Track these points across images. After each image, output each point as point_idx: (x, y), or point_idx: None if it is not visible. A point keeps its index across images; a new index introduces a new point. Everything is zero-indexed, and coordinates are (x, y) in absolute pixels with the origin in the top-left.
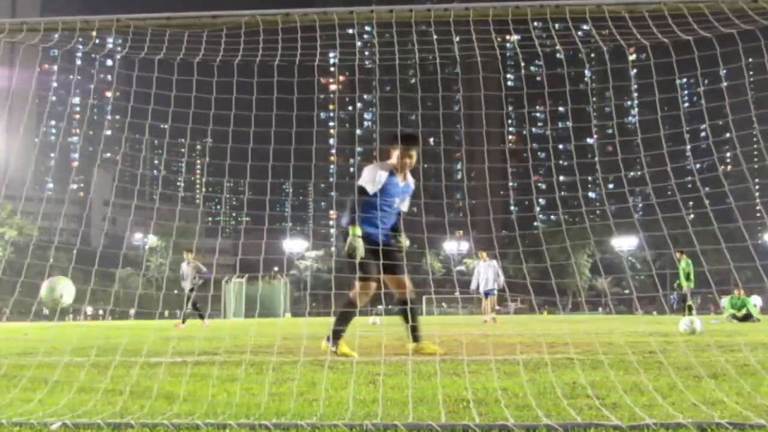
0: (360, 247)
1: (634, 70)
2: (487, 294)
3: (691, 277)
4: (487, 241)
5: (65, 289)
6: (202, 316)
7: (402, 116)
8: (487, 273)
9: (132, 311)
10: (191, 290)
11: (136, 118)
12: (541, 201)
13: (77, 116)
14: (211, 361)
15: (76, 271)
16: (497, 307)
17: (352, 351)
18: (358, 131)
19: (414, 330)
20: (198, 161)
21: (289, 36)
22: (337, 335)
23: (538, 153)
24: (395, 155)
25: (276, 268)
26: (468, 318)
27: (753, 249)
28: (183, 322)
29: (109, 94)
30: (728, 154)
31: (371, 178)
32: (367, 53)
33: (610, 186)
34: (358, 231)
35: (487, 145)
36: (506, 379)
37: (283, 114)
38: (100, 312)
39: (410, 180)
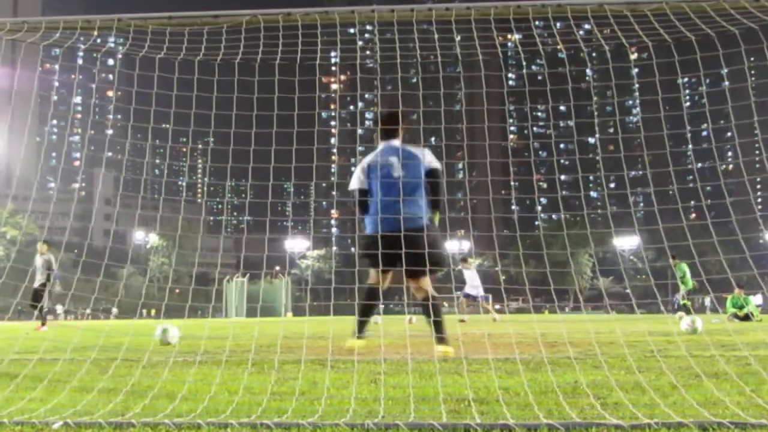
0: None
1: (636, 70)
2: (483, 297)
3: (687, 279)
4: (488, 241)
5: (174, 332)
6: (42, 319)
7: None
8: (475, 278)
9: (114, 310)
10: (42, 285)
11: (137, 117)
12: (543, 200)
13: (79, 116)
14: (212, 360)
15: (76, 268)
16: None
17: (355, 345)
18: (359, 130)
19: (437, 330)
20: (199, 160)
21: (291, 35)
22: (358, 328)
23: (540, 152)
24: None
25: (278, 268)
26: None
27: (752, 245)
28: (43, 324)
29: (111, 93)
30: (729, 154)
31: (354, 179)
32: (368, 52)
33: (612, 185)
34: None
35: (489, 145)
36: (507, 379)
37: (284, 113)
38: (88, 311)
39: (402, 145)
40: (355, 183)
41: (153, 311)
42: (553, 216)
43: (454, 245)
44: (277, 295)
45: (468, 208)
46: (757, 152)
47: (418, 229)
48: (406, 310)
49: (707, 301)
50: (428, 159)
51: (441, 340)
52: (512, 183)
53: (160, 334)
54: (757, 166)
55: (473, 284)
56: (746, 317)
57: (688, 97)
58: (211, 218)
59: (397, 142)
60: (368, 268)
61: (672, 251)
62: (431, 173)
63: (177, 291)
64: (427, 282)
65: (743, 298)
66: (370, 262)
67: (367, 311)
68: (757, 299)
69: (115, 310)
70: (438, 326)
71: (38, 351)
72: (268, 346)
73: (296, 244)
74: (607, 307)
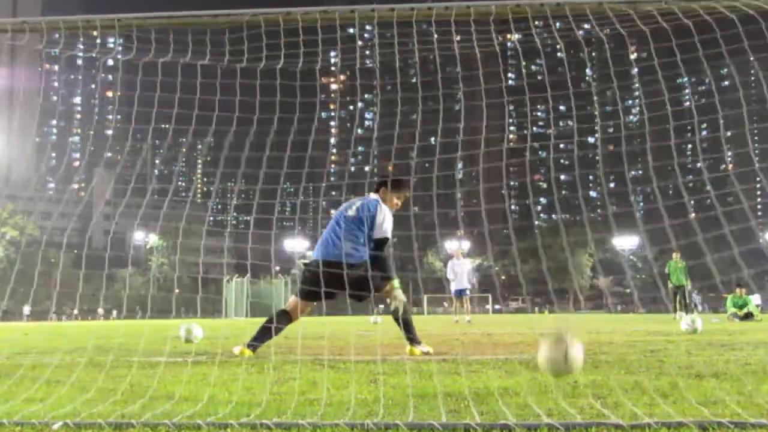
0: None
1: (636, 69)
2: (459, 293)
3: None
4: (488, 241)
5: (197, 331)
6: None
7: (403, 115)
8: (461, 270)
9: (100, 310)
10: None
11: (137, 118)
12: (542, 200)
13: (78, 116)
14: (212, 361)
15: (75, 268)
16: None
17: (244, 353)
18: (359, 131)
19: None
20: (199, 161)
21: (290, 35)
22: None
23: (539, 152)
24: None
25: (277, 268)
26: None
27: (751, 245)
28: None
29: (110, 93)
30: (729, 153)
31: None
32: (368, 52)
33: (611, 185)
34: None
35: (488, 145)
36: (507, 378)
37: (284, 113)
38: (76, 312)
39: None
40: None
41: (139, 311)
42: (553, 216)
43: (454, 245)
44: (276, 295)
45: (462, 206)
46: (757, 152)
47: (353, 265)
48: (373, 311)
49: (696, 298)
50: (383, 226)
51: (411, 340)
52: (511, 183)
53: (184, 333)
54: (758, 165)
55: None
56: (746, 317)
57: (688, 97)
58: (211, 218)
59: (374, 196)
60: (300, 292)
61: (672, 248)
62: (376, 243)
63: (177, 291)
64: (386, 293)
65: (743, 298)
66: (302, 291)
67: (269, 330)
68: (756, 299)
69: (100, 311)
70: (405, 330)
71: (38, 352)
72: (267, 346)
73: (296, 244)
74: (608, 306)
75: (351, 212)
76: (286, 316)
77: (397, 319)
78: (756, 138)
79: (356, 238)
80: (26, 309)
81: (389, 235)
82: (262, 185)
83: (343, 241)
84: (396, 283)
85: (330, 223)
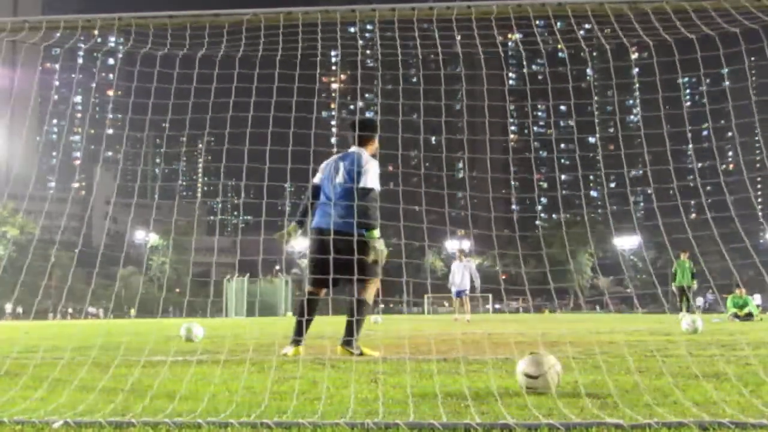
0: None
1: (636, 69)
2: (459, 293)
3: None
4: (488, 240)
5: (198, 330)
6: None
7: (404, 115)
8: (462, 273)
9: (92, 309)
10: None
11: (137, 117)
12: (543, 200)
13: (79, 115)
14: (212, 360)
15: (77, 269)
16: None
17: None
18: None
19: (347, 332)
20: (199, 160)
21: (291, 34)
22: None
23: (540, 152)
24: (376, 145)
25: (277, 267)
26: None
27: (753, 248)
28: None
29: (111, 92)
30: (730, 153)
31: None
32: (368, 52)
33: (612, 185)
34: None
35: (490, 144)
36: (507, 378)
37: (284, 112)
38: (71, 311)
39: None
40: (314, 179)
41: (132, 310)
42: (554, 215)
43: (454, 244)
44: (276, 294)
45: (468, 207)
46: (758, 151)
47: (346, 233)
48: (373, 310)
49: (699, 301)
50: (367, 177)
51: (347, 342)
52: (512, 183)
53: (184, 332)
54: (758, 165)
55: (457, 280)
56: (747, 317)
57: (688, 97)
58: (211, 217)
59: (355, 148)
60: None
61: (678, 248)
62: (360, 193)
63: (177, 290)
64: (364, 286)
65: (744, 298)
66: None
67: (301, 317)
68: (756, 299)
69: (92, 309)
70: (349, 327)
71: (39, 350)
72: (267, 345)
73: (296, 244)
74: (608, 306)
75: (339, 178)
76: (313, 302)
77: (351, 317)
78: (757, 137)
79: (351, 207)
80: (8, 307)
81: (376, 186)
82: (260, 183)
83: (342, 215)
84: (377, 233)
85: (322, 195)
